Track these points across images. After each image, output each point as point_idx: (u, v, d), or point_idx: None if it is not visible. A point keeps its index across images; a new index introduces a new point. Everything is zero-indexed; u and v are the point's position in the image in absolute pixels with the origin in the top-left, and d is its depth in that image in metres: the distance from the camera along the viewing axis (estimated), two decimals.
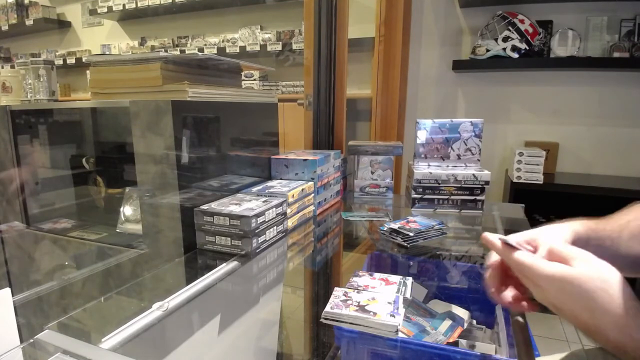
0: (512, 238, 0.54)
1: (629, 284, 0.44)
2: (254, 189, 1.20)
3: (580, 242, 0.55)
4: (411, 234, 1.10)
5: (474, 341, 0.85)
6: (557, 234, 0.56)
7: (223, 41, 3.36)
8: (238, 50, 3.23)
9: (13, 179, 1.34)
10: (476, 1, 2.43)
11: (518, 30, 2.26)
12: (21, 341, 0.59)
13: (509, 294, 0.55)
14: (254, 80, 3.23)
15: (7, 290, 0.57)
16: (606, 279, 0.44)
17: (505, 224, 1.34)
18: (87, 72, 1.11)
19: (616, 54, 2.16)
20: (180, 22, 3.60)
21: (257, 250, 0.99)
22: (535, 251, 0.52)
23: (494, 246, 0.53)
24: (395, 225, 1.15)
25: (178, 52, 3.49)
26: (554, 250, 0.50)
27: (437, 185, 1.41)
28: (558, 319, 1.97)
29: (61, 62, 3.97)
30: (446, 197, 1.42)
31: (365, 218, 1.39)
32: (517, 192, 2.18)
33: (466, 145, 1.48)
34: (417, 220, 1.20)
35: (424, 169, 1.45)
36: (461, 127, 1.47)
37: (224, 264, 0.92)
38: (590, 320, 0.44)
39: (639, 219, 0.56)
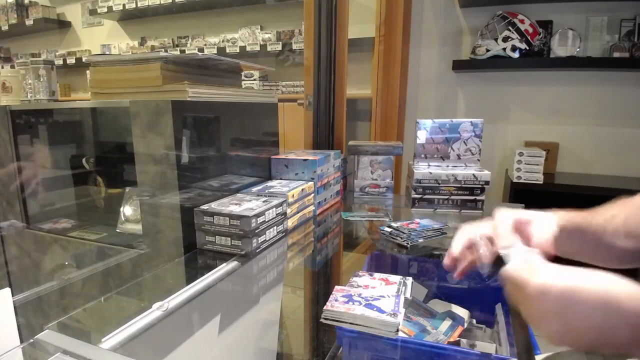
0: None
1: (622, 274, 0.41)
2: (254, 189, 1.20)
3: (564, 233, 0.58)
4: (411, 234, 1.10)
5: (474, 340, 0.85)
6: (545, 227, 0.58)
7: (223, 41, 3.36)
8: (238, 50, 3.23)
9: (13, 179, 1.34)
10: (476, 1, 2.43)
11: (518, 30, 2.26)
12: (21, 341, 0.59)
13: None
14: (254, 80, 3.23)
15: (7, 290, 0.57)
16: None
17: None
18: (87, 72, 1.11)
19: (616, 54, 2.16)
20: (180, 22, 3.60)
21: (257, 250, 0.99)
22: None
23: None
24: (395, 225, 1.15)
25: (178, 52, 3.49)
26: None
27: (437, 185, 1.41)
28: None
29: (61, 62, 3.97)
30: (446, 197, 1.42)
31: (365, 218, 1.39)
32: (517, 192, 2.18)
33: (466, 145, 1.48)
34: (417, 220, 1.20)
35: (424, 169, 1.45)
36: (461, 127, 1.47)
37: (224, 264, 0.92)
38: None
39: (622, 214, 0.57)
